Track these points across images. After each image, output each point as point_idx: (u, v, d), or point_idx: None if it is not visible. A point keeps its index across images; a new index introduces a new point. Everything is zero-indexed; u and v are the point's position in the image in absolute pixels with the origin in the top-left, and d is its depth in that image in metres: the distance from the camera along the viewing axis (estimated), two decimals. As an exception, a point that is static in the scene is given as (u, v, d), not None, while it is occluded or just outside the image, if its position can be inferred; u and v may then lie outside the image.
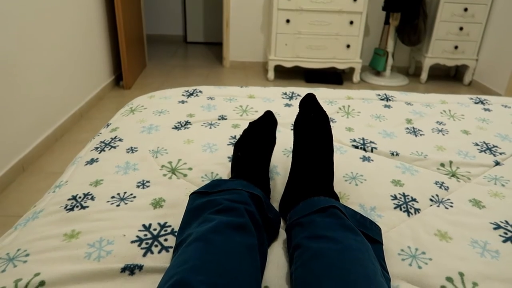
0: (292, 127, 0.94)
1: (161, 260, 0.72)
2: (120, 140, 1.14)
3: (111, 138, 1.16)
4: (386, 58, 3.56)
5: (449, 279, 0.70)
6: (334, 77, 3.59)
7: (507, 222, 0.84)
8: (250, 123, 1.03)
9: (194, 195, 0.79)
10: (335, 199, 0.82)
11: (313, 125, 0.89)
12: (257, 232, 0.70)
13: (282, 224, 0.83)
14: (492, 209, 0.89)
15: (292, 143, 0.93)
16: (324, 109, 0.94)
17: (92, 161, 1.05)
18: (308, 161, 0.86)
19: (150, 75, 3.56)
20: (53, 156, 2.16)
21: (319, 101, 1.46)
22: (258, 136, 0.96)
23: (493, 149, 1.16)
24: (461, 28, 3.35)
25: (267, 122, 1.00)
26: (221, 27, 4.51)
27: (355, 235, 0.68)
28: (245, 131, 1.01)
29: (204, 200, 0.75)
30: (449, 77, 3.82)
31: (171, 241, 0.76)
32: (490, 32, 3.34)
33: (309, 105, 0.92)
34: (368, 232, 0.73)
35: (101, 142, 1.15)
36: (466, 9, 3.29)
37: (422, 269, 0.72)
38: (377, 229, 0.77)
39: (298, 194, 0.83)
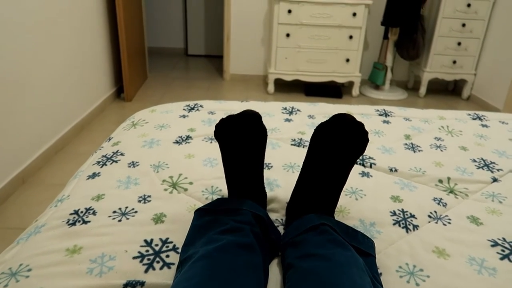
0: (311, 136, 0.85)
1: (163, 276, 0.72)
2: (122, 154, 1.16)
3: (113, 152, 1.17)
4: (385, 72, 3.59)
5: (447, 297, 0.70)
6: (334, 90, 3.62)
7: (504, 240, 0.85)
8: (229, 117, 0.88)
9: (200, 212, 0.80)
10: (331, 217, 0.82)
11: (340, 142, 0.81)
12: (261, 252, 0.71)
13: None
14: (489, 226, 0.90)
15: (306, 152, 0.85)
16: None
17: (93, 175, 1.06)
18: (317, 180, 0.83)
19: (151, 88, 3.59)
20: (53, 168, 2.17)
21: (318, 116, 1.48)
22: (244, 143, 0.86)
23: (491, 165, 1.17)
24: (459, 43, 3.39)
25: (245, 123, 0.87)
26: (222, 40, 4.56)
27: (345, 250, 0.69)
28: (229, 130, 0.87)
29: (210, 219, 0.76)
30: (448, 91, 3.86)
31: (173, 257, 0.77)
32: (488, 47, 3.38)
33: (358, 130, 0.81)
34: (360, 246, 0.75)
35: (102, 156, 1.16)
36: (464, 25, 3.33)
37: (420, 286, 0.73)
38: (370, 243, 0.78)
39: (297, 210, 0.84)
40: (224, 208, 0.78)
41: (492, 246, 0.83)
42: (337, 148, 0.81)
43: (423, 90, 3.61)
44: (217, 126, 0.88)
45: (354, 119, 0.82)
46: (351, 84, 3.63)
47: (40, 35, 2.10)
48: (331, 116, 0.86)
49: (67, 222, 0.86)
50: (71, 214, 0.89)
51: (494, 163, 1.19)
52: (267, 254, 0.75)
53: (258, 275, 0.66)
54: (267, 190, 1.00)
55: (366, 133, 0.82)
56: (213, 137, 1.28)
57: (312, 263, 0.66)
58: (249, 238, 0.70)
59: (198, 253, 0.66)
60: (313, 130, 0.86)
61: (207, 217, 0.77)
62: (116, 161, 1.12)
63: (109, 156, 1.15)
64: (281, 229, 0.88)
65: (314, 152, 0.84)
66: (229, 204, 0.80)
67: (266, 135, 0.90)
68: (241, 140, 0.86)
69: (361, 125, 0.82)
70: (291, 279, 0.66)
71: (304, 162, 0.87)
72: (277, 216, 0.92)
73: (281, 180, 1.05)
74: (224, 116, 0.93)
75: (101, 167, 1.10)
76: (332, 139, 0.81)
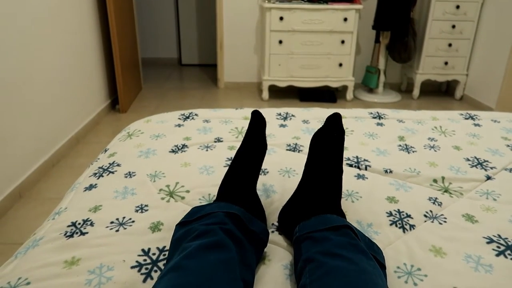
0: (311, 141, 0.94)
1: (161, 284, 0.72)
2: (118, 165, 1.16)
3: (109, 163, 1.18)
4: (378, 75, 3.62)
5: (445, 295, 0.71)
6: (328, 95, 3.64)
7: (499, 236, 0.86)
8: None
9: (177, 226, 0.80)
10: (344, 217, 0.83)
11: (333, 144, 0.89)
12: (237, 247, 0.71)
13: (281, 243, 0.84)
14: (484, 224, 0.91)
15: (306, 158, 0.93)
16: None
17: (90, 187, 1.06)
18: (321, 177, 0.87)
19: (146, 98, 3.60)
20: (50, 182, 2.16)
21: (312, 121, 1.50)
22: (245, 149, 0.93)
23: (484, 163, 1.18)
24: (450, 45, 3.43)
25: (254, 129, 0.95)
26: (215, 49, 4.58)
27: (368, 259, 0.69)
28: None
29: (183, 231, 0.76)
30: (441, 92, 3.89)
31: (171, 265, 0.77)
32: (478, 47, 3.42)
33: (335, 124, 0.92)
34: (377, 256, 0.74)
35: (99, 167, 1.16)
36: (454, 26, 3.37)
37: (418, 286, 0.73)
38: (382, 253, 0.78)
39: (306, 208, 0.84)
40: (198, 216, 0.78)
41: (488, 243, 0.84)
42: (327, 142, 0.90)
43: (416, 92, 3.64)
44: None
45: (335, 113, 0.93)
46: (345, 88, 3.65)
47: (33, 49, 2.10)
48: (324, 120, 0.95)
49: (65, 234, 0.86)
50: (68, 226, 0.89)
51: (487, 161, 1.20)
52: (248, 247, 0.74)
53: (231, 268, 0.65)
54: (263, 196, 1.01)
55: (336, 114, 0.92)
56: (209, 145, 1.28)
57: (338, 262, 0.66)
58: (217, 236, 0.70)
59: (167, 266, 0.66)
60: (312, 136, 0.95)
61: (183, 229, 0.77)
62: (112, 172, 1.12)
63: (105, 168, 1.15)
64: (276, 234, 0.88)
65: (312, 154, 0.90)
66: (201, 211, 0.80)
67: (266, 144, 0.97)
68: (258, 138, 0.94)
69: (335, 114, 0.92)
70: (314, 273, 0.66)
71: (305, 165, 0.92)
72: (273, 220, 0.93)
73: (277, 185, 1.06)
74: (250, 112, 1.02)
75: (98, 178, 1.10)
76: (323, 136, 0.91)
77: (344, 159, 1.20)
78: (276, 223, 0.91)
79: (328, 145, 0.89)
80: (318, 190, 0.86)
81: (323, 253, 0.69)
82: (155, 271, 0.76)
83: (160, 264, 0.77)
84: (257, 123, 0.96)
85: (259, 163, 0.93)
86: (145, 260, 0.78)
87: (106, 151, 1.30)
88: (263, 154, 0.94)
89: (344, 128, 0.93)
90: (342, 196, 1.01)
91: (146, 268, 0.76)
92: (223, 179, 0.93)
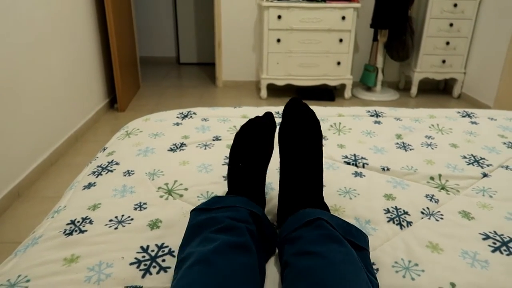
0: (278, 138, 0.92)
1: (160, 280, 0.73)
2: (117, 163, 1.16)
3: (108, 162, 1.18)
4: (376, 73, 3.63)
5: (441, 290, 0.72)
6: (326, 93, 3.65)
7: (495, 232, 0.87)
8: (249, 121, 0.96)
9: (195, 212, 0.80)
10: (325, 209, 0.83)
11: (298, 132, 0.87)
12: (257, 251, 0.72)
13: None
14: (481, 220, 0.91)
15: (279, 156, 0.91)
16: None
17: (89, 185, 1.06)
18: (294, 173, 0.86)
19: (144, 97, 3.60)
20: (48, 181, 2.17)
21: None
22: (258, 144, 0.91)
23: (481, 161, 1.19)
24: (447, 43, 3.44)
25: (267, 127, 0.94)
26: (213, 48, 4.59)
27: (341, 246, 0.69)
28: (244, 131, 0.94)
29: (205, 217, 0.76)
30: (439, 90, 3.90)
31: (169, 261, 0.78)
32: (476, 46, 3.43)
33: (294, 110, 0.89)
34: (355, 240, 0.75)
35: (98, 166, 1.17)
36: (451, 24, 3.38)
37: (415, 281, 0.74)
38: (363, 237, 0.78)
39: (287, 208, 0.85)
40: (219, 206, 0.78)
41: (484, 239, 0.85)
42: (290, 133, 0.88)
43: (414, 90, 3.65)
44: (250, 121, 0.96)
45: (291, 99, 0.92)
46: (343, 86, 3.66)
47: (31, 49, 2.10)
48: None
49: (64, 232, 0.86)
50: (67, 224, 0.89)
51: (484, 158, 1.21)
52: (263, 252, 0.75)
53: (255, 276, 0.66)
54: (262, 193, 1.01)
55: (293, 99, 0.91)
56: (207, 143, 1.29)
57: (307, 262, 0.67)
58: (245, 237, 0.71)
59: (194, 256, 0.66)
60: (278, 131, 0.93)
61: (202, 215, 0.77)
62: (111, 171, 1.13)
63: (104, 166, 1.16)
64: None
65: (281, 151, 0.90)
66: (225, 202, 0.80)
67: (273, 150, 0.96)
68: (262, 138, 0.92)
69: (292, 99, 0.91)
70: (287, 278, 0.67)
71: (280, 162, 0.91)
72: (271, 218, 0.93)
73: (275, 182, 1.06)
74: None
75: (97, 177, 1.10)
76: (284, 128, 0.89)
77: (341, 157, 1.21)
78: (275, 222, 0.92)
79: (293, 136, 0.87)
80: (293, 188, 0.86)
81: (296, 254, 0.70)
82: (154, 267, 0.76)
83: (159, 260, 0.78)
84: (270, 124, 0.95)
85: (268, 162, 0.94)
86: (143, 256, 0.79)
87: (104, 149, 1.30)
88: (271, 154, 0.94)
89: (312, 110, 0.90)
90: (340, 193, 1.02)
91: (145, 264, 0.77)
92: (232, 169, 0.91)
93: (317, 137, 0.88)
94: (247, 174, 0.89)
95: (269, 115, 0.96)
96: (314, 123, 0.89)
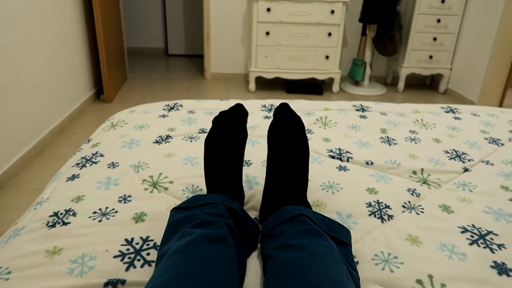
0: (267, 136, 0.95)
1: (144, 274, 0.73)
2: (101, 155, 1.16)
3: (92, 153, 1.17)
4: (364, 68, 3.65)
5: (419, 282, 0.74)
6: (314, 87, 3.66)
7: (473, 226, 0.89)
8: (220, 113, 0.96)
9: (175, 211, 0.81)
10: (306, 207, 0.85)
11: (287, 134, 0.90)
12: (235, 244, 0.72)
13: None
14: (460, 214, 0.94)
15: (267, 154, 0.93)
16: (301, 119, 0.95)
17: (73, 177, 1.06)
18: (281, 172, 0.88)
19: (132, 88, 3.56)
20: (32, 172, 2.14)
21: (297, 112, 1.51)
22: (227, 140, 0.92)
23: (462, 156, 1.22)
24: (434, 39, 3.48)
25: (235, 120, 0.94)
26: (202, 40, 4.55)
27: (322, 240, 0.71)
28: (215, 126, 0.95)
29: (184, 215, 0.77)
30: (425, 85, 3.94)
31: (153, 255, 0.78)
32: (462, 42, 3.47)
33: (284, 114, 0.93)
34: (337, 235, 0.77)
35: (82, 158, 1.16)
36: (439, 20, 3.41)
37: (394, 273, 0.76)
38: (346, 232, 0.80)
39: (271, 205, 0.86)
40: (198, 204, 0.80)
41: (462, 232, 0.87)
42: (280, 133, 0.91)
43: (401, 85, 3.68)
44: (217, 118, 0.96)
45: (281, 103, 0.96)
46: (331, 80, 3.67)
47: (16, 38, 2.06)
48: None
49: (47, 224, 0.86)
50: (50, 216, 0.89)
51: (465, 153, 1.23)
52: (243, 246, 0.76)
53: (232, 266, 0.67)
54: (246, 187, 1.02)
55: (283, 104, 0.95)
56: (193, 136, 1.29)
57: (289, 254, 0.68)
58: (222, 230, 0.72)
59: (172, 248, 0.67)
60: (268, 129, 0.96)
61: (181, 213, 0.78)
62: (95, 162, 1.12)
63: (88, 158, 1.15)
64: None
65: (270, 149, 0.92)
66: (203, 200, 0.81)
67: (247, 134, 0.97)
68: (230, 133, 0.93)
69: (282, 104, 0.95)
70: (270, 271, 0.68)
71: (267, 160, 0.93)
72: (256, 214, 0.94)
73: (260, 177, 1.07)
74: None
75: (81, 168, 1.10)
76: (275, 128, 0.92)
77: (326, 150, 1.22)
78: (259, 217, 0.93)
79: (282, 137, 0.90)
80: (278, 186, 0.88)
81: (278, 247, 0.71)
82: (138, 260, 0.76)
83: (144, 254, 0.78)
84: (239, 113, 0.96)
85: (243, 153, 0.94)
86: (128, 249, 0.79)
87: (89, 141, 1.29)
88: (245, 142, 0.96)
89: (298, 114, 0.95)
90: (323, 188, 1.03)
91: (129, 257, 0.77)
92: (207, 169, 0.93)
93: (303, 140, 0.91)
94: (221, 171, 0.90)
95: (236, 107, 0.97)
96: (301, 127, 0.92)
